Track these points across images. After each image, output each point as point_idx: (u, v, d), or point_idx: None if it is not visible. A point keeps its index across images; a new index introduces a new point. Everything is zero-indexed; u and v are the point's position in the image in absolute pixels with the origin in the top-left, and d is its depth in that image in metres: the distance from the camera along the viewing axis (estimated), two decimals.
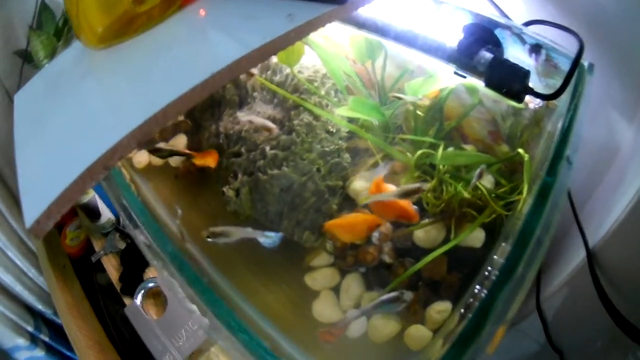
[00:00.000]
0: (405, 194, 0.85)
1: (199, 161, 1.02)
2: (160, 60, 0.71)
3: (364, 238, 0.92)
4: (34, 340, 1.89)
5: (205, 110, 1.16)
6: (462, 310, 0.72)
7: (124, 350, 1.26)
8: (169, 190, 1.13)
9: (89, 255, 1.41)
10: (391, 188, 0.89)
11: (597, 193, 0.98)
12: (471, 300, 0.68)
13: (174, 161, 1.16)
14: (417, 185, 0.84)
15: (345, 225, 0.91)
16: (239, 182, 1.02)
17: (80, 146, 0.65)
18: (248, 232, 0.89)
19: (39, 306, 1.91)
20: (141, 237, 0.82)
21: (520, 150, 0.87)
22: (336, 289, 0.93)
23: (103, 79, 0.78)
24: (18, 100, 0.84)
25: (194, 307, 0.76)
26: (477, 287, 0.69)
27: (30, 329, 1.87)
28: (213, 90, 0.62)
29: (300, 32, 0.67)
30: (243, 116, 1.03)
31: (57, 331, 1.96)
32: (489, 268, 0.70)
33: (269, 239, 0.90)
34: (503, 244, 0.72)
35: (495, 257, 0.72)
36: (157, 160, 1.17)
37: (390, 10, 0.99)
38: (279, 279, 0.97)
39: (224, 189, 1.02)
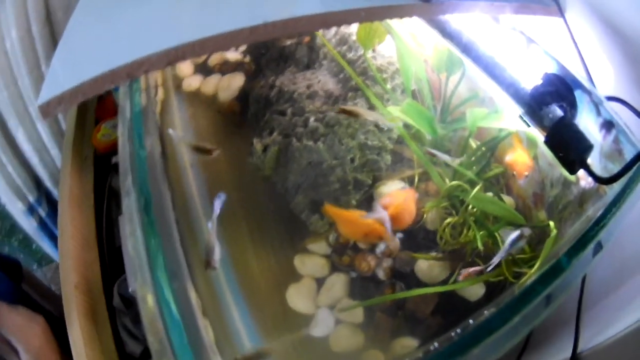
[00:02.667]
0: None
1: None
2: None
3: (358, 239, 0.94)
4: (31, 210, 1.98)
5: (272, 60, 1.19)
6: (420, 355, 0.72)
7: (106, 256, 1.31)
8: (206, 121, 1.17)
9: (112, 155, 1.46)
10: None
11: (612, 298, 0.95)
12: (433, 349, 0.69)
13: (223, 96, 1.19)
14: None
15: (346, 217, 0.92)
16: (271, 140, 1.04)
17: (117, 47, 0.69)
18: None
19: (48, 184, 2.00)
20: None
21: (552, 224, 0.86)
22: (320, 282, 0.94)
23: None
24: None
25: None
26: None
27: (31, 199, 1.96)
28: (262, 38, 0.64)
29: (372, 14, 0.68)
30: None
31: (56, 211, 2.05)
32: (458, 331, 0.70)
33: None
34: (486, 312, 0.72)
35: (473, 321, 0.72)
36: (206, 89, 1.21)
37: (480, 32, 0.99)
38: (271, 249, 0.99)
39: (254, 140, 1.05)
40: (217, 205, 0.87)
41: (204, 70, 1.27)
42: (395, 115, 0.99)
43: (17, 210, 2.00)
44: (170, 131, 1.03)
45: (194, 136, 1.12)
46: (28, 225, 2.05)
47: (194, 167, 1.04)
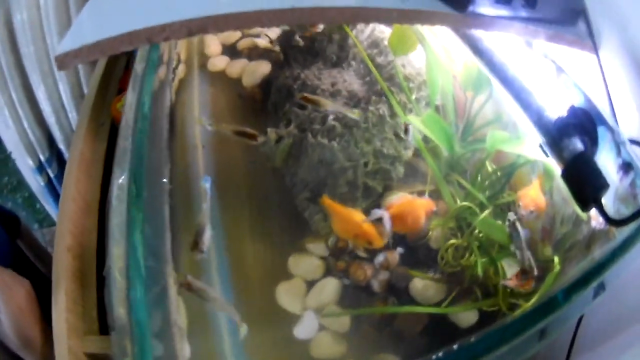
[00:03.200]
0: None
1: None
2: None
3: (349, 239, 0.94)
4: (40, 168, 2.00)
5: (300, 53, 1.19)
6: None
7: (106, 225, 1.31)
8: (224, 103, 1.17)
9: None
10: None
11: (608, 345, 0.94)
12: None
13: (246, 81, 1.19)
14: None
15: (340, 213, 0.92)
16: (287, 132, 1.03)
17: (143, 10, 0.70)
18: None
19: (61, 146, 2.01)
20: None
21: (556, 259, 0.85)
22: (311, 284, 0.93)
23: None
24: None
25: None
26: None
27: (42, 157, 1.97)
28: (287, 22, 0.65)
29: (404, 17, 0.68)
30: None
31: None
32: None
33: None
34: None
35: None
36: (232, 71, 1.21)
37: (511, 55, 0.98)
38: (269, 242, 0.99)
39: (269, 129, 1.04)
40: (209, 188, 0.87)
41: (231, 52, 1.27)
42: (414, 122, 0.99)
43: (26, 167, 2.02)
44: (206, 121, 1.03)
45: (211, 117, 1.11)
46: (35, 183, 2.07)
47: (205, 148, 1.04)
